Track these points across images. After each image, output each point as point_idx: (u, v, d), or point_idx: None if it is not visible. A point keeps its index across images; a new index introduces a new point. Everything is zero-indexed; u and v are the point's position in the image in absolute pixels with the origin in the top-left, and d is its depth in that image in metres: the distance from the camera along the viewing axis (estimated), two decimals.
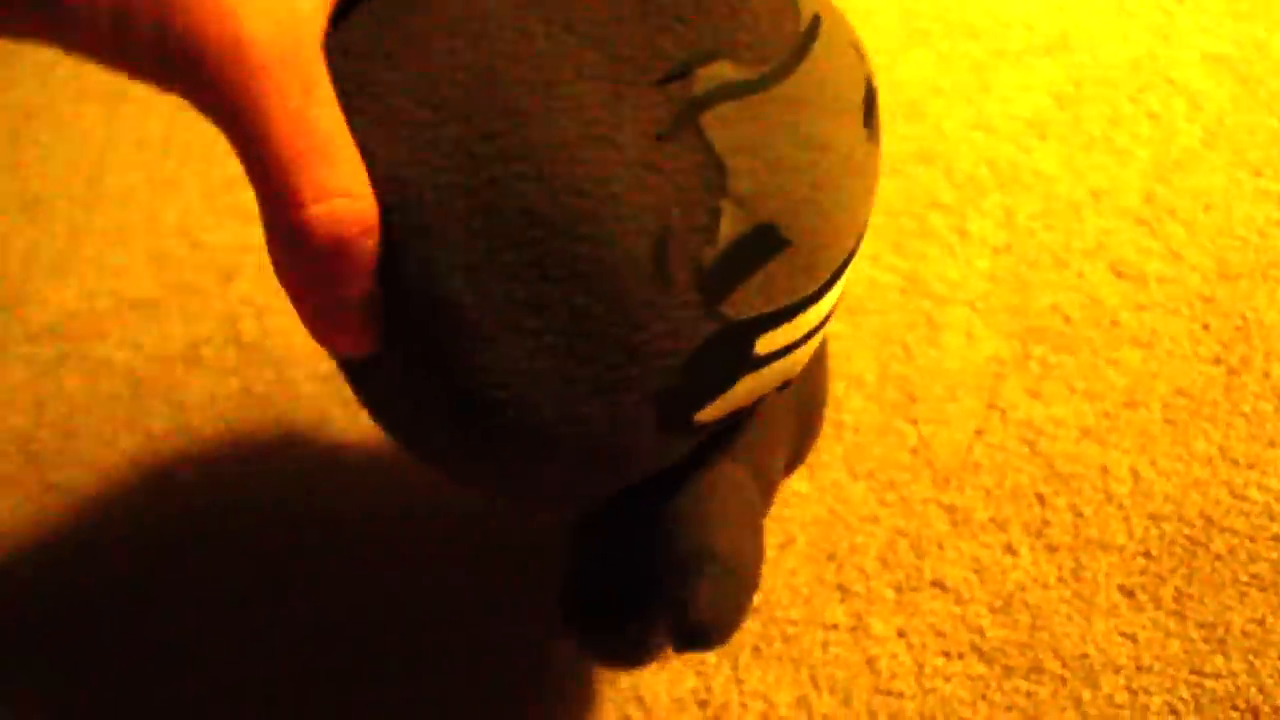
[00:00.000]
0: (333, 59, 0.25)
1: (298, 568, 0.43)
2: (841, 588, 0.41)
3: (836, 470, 0.44)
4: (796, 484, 0.43)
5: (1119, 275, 0.47)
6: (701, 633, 0.28)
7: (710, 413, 0.28)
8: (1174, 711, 0.38)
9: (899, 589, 0.41)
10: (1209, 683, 0.38)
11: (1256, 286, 0.47)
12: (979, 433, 0.44)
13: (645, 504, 0.31)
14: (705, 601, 0.28)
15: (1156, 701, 0.38)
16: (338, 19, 0.26)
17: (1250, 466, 0.42)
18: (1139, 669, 0.39)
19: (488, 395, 0.25)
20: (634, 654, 0.32)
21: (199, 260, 0.53)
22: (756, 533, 0.30)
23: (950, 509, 0.42)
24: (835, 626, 0.40)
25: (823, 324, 0.29)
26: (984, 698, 0.39)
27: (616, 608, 0.31)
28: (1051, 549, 0.41)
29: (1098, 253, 0.48)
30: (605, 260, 0.25)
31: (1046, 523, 0.42)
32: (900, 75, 0.55)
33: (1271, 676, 0.38)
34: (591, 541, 0.33)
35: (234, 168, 0.57)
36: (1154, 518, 0.41)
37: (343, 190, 0.24)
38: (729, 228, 0.26)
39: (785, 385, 0.30)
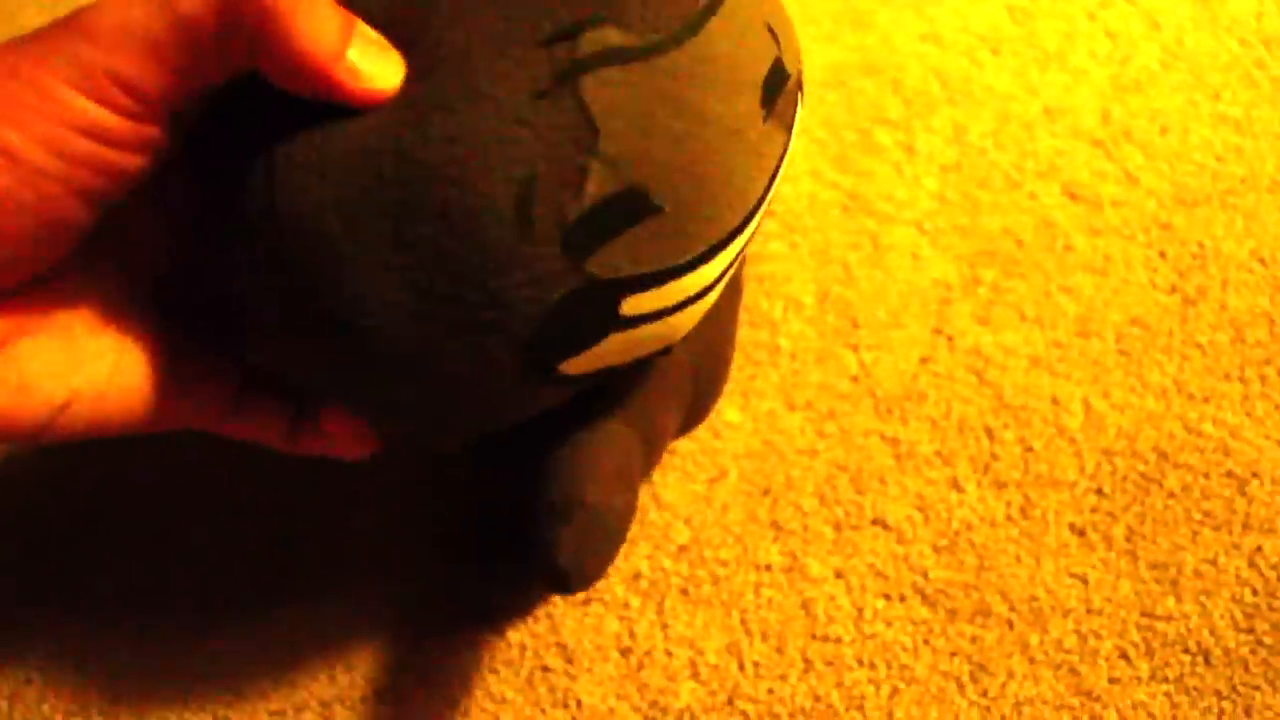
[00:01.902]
0: None
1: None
2: (776, 525, 0.38)
3: (772, 399, 0.40)
4: (729, 413, 0.40)
5: (1073, 198, 0.45)
6: (561, 577, 0.30)
7: (578, 365, 0.29)
8: (1124, 655, 0.36)
9: (838, 527, 0.38)
10: (1160, 625, 0.36)
11: (1214, 214, 0.44)
12: (924, 361, 0.41)
13: (530, 452, 0.32)
14: (568, 548, 0.30)
15: (1107, 645, 0.36)
16: None
17: (1205, 400, 0.40)
18: (1089, 611, 0.36)
19: (356, 322, 0.27)
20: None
21: None
22: (631, 489, 0.32)
23: (893, 442, 0.39)
24: (769, 567, 0.37)
25: (703, 294, 0.30)
26: (927, 643, 0.36)
27: (491, 546, 0.34)
28: (999, 485, 0.38)
29: (1051, 174, 0.45)
30: (468, 205, 0.26)
31: (995, 457, 0.39)
32: None
33: (1223, 618, 0.36)
34: (481, 484, 0.34)
35: None
36: (1106, 453, 0.39)
37: None
38: (596, 186, 0.26)
39: (666, 350, 0.31)
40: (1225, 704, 0.35)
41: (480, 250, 0.26)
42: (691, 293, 0.29)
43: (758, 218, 0.30)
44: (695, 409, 0.37)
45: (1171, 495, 0.38)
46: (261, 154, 0.26)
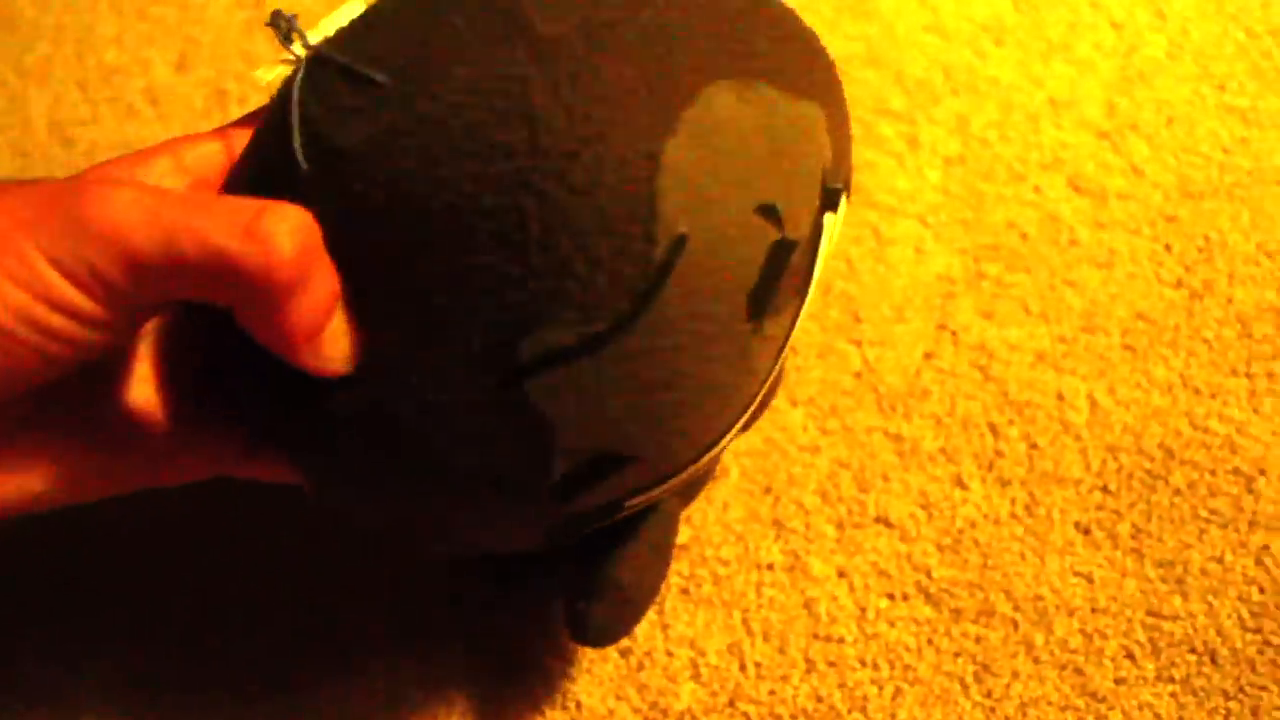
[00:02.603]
0: None
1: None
2: (778, 524, 0.38)
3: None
4: None
5: (1078, 191, 0.44)
6: (590, 642, 0.32)
7: (604, 524, 0.30)
8: (1130, 655, 0.35)
9: (840, 525, 0.38)
10: (1166, 624, 0.36)
11: (1220, 207, 0.44)
12: (928, 356, 0.40)
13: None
14: (598, 622, 0.31)
15: (1112, 645, 0.35)
16: None
17: (1212, 396, 0.39)
18: (1094, 611, 0.36)
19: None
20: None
21: (71, 159, 0.48)
22: (665, 560, 0.33)
23: (896, 438, 0.39)
24: (771, 566, 0.37)
25: (714, 460, 0.31)
26: (930, 643, 0.36)
27: (518, 578, 0.36)
28: (1004, 482, 0.38)
29: (1056, 166, 0.45)
30: (448, 484, 0.27)
31: (999, 454, 0.39)
32: None
33: (1230, 618, 0.36)
34: None
35: (113, 54, 0.51)
36: (1112, 449, 0.39)
37: None
38: (564, 466, 0.26)
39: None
40: (1232, 704, 0.34)
41: (470, 510, 0.27)
42: (698, 472, 0.29)
43: (771, 380, 0.30)
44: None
45: (1177, 492, 0.38)
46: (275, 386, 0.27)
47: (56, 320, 0.23)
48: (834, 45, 0.48)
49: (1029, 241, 0.43)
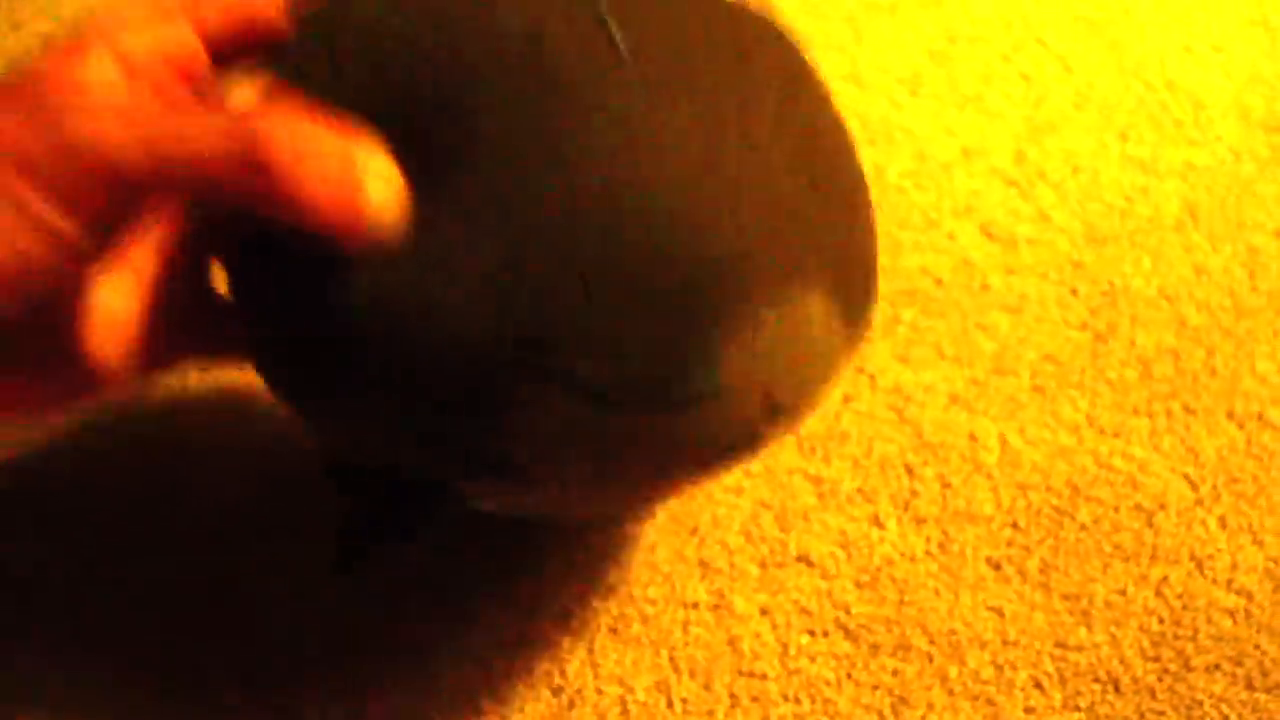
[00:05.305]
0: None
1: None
2: (703, 564, 0.39)
3: None
4: None
5: (989, 237, 0.46)
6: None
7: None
8: (1038, 685, 0.37)
9: (763, 564, 0.39)
10: (1072, 655, 0.37)
11: (1124, 252, 0.46)
12: (847, 399, 0.42)
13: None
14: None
15: (1022, 676, 0.37)
16: None
17: (1115, 435, 0.41)
18: (1005, 643, 0.37)
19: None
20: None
21: None
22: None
23: (817, 480, 0.40)
24: (696, 605, 0.38)
25: None
26: (850, 677, 0.37)
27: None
28: (919, 521, 0.40)
29: (968, 213, 0.47)
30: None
31: (914, 493, 0.40)
32: None
33: (1132, 648, 0.37)
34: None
35: None
36: (1021, 487, 0.40)
37: None
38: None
39: None
40: None
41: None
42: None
43: None
44: None
45: (1083, 528, 0.40)
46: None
47: (31, 241, 0.22)
48: None
49: (943, 287, 0.45)
